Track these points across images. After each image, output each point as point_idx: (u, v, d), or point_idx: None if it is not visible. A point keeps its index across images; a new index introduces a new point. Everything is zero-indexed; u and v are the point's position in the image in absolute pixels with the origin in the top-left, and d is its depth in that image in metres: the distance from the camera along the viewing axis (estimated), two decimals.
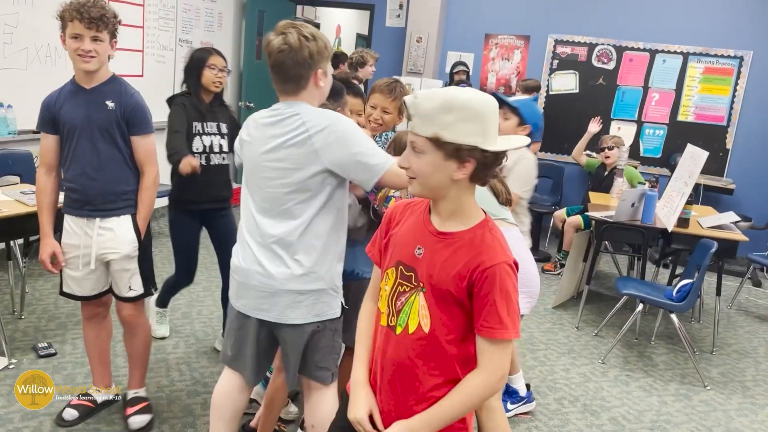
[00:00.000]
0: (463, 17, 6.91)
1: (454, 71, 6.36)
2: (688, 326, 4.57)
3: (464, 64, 6.47)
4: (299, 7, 9.74)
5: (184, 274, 3.35)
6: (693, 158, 4.20)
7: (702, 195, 5.93)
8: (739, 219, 4.29)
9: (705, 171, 6.25)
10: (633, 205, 4.15)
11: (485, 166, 1.30)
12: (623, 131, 6.58)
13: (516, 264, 1.33)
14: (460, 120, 1.24)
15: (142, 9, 5.26)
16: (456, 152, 1.27)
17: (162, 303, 3.57)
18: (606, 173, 5.31)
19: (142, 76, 5.36)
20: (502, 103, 2.64)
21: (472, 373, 1.33)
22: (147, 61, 5.41)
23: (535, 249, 6.01)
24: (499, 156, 1.30)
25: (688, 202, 4.10)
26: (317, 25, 10.60)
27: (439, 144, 1.27)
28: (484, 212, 1.39)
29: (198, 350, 3.44)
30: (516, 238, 2.19)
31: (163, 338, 3.53)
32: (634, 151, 6.56)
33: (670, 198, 4.35)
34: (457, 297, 1.32)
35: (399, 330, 1.38)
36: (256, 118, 1.96)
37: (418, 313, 1.36)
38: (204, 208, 3.19)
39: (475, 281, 1.30)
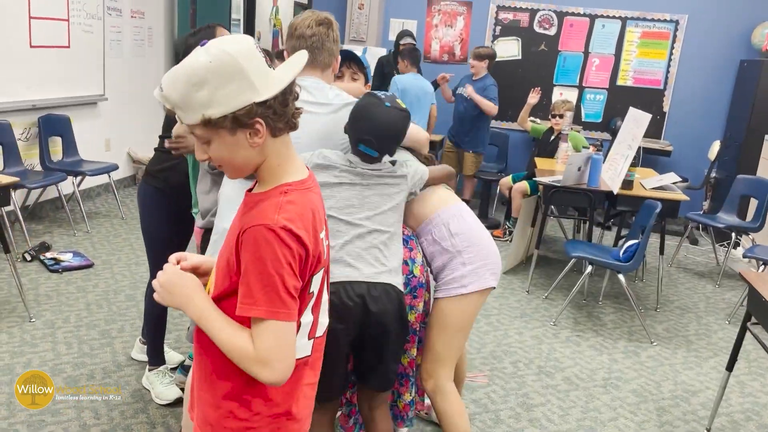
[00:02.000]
0: None
1: (400, 41, 6.14)
2: (632, 285, 4.70)
3: (410, 34, 6.24)
4: None
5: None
6: (636, 121, 4.27)
7: (642, 157, 6.07)
8: (679, 179, 4.41)
9: (644, 134, 6.43)
10: (579, 169, 4.20)
11: (276, 113, 1.13)
12: (565, 96, 6.64)
13: (288, 230, 1.10)
14: (216, 88, 1.08)
15: None
16: (236, 122, 1.10)
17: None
18: (552, 138, 5.36)
19: (68, 47, 5.05)
20: (352, 61, 2.45)
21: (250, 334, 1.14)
22: (73, 31, 5.09)
23: (484, 216, 6.06)
24: (286, 94, 1.13)
25: (632, 165, 4.18)
26: None
27: (215, 123, 1.10)
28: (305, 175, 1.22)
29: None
30: (466, 212, 2.15)
31: None
32: (575, 116, 6.63)
33: (614, 161, 4.42)
34: (231, 264, 1.16)
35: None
36: None
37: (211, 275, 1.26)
38: None
39: (237, 246, 1.14)
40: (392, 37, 6.87)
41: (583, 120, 6.69)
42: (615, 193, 4.10)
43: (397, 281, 1.89)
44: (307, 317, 1.22)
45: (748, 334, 2.70)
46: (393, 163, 1.96)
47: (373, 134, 1.82)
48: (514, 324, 3.85)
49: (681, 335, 3.92)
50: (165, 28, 6.43)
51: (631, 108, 4.60)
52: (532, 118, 5.96)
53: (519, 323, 3.86)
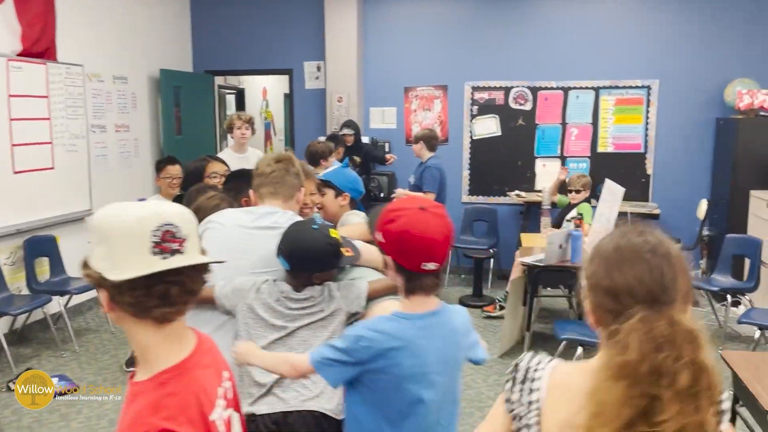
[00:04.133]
0: (381, 73, 6.99)
1: (341, 133, 6.17)
2: None
3: (351, 125, 6.23)
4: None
5: None
6: (611, 193, 4.28)
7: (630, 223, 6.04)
8: None
9: (630, 198, 6.41)
10: (560, 246, 4.18)
11: (120, 298, 1.05)
12: (548, 168, 6.71)
13: (168, 431, 1.01)
14: (96, 243, 1.06)
15: (46, 101, 5.10)
16: (99, 282, 1.06)
17: None
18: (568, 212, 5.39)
19: (52, 168, 5.17)
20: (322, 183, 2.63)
21: None
22: (57, 152, 5.23)
23: (478, 295, 5.98)
24: (151, 285, 1.04)
25: None
26: (241, 91, 10.63)
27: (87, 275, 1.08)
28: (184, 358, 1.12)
29: None
30: None
31: None
32: (562, 186, 6.67)
33: (598, 235, 4.40)
34: None
35: None
36: None
37: None
38: None
39: None
40: (374, 125, 7.04)
41: (569, 188, 6.70)
42: None
43: (325, 406, 1.84)
44: None
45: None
46: (340, 270, 1.99)
47: (289, 248, 1.92)
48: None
49: None
50: (151, 136, 6.60)
51: (606, 180, 4.62)
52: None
53: None
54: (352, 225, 2.49)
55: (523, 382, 1.21)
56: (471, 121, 6.88)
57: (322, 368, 1.53)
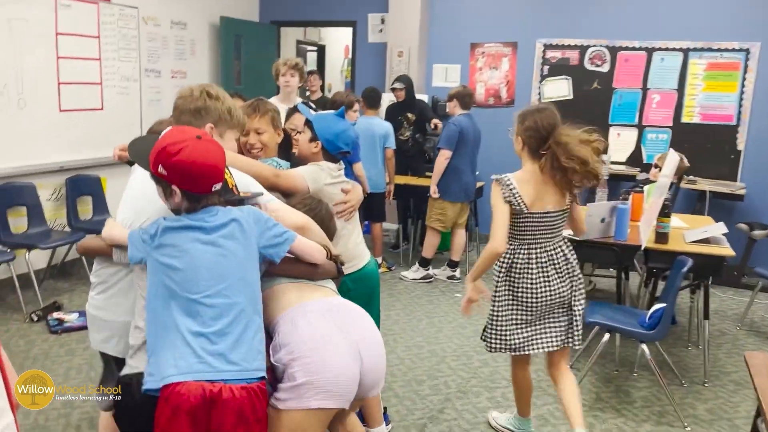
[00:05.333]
0: (447, 28, 6.57)
1: (391, 87, 5.88)
2: (684, 353, 4.07)
3: (402, 79, 5.83)
4: (302, 30, 9.60)
5: None
6: (668, 163, 3.74)
7: (710, 203, 5.39)
8: (726, 231, 3.78)
9: (714, 175, 5.73)
10: (603, 220, 3.71)
11: None
12: (623, 137, 6.10)
13: None
14: None
15: (97, 41, 5.14)
16: None
17: None
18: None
19: (101, 109, 5.23)
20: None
21: None
22: (107, 94, 5.28)
23: None
24: None
25: (665, 214, 3.64)
26: (322, 47, 10.47)
27: None
28: None
29: None
30: (312, 313, 1.82)
31: None
32: (635, 158, 6.05)
33: (651, 213, 3.87)
34: None
35: None
36: None
37: None
38: None
39: None
40: (435, 83, 6.67)
41: (644, 162, 6.06)
42: (642, 247, 3.57)
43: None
44: None
45: None
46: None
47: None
48: None
49: (726, 418, 3.27)
50: None
51: (669, 149, 4.06)
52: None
53: None
54: (284, 170, 2.30)
55: (508, 186, 2.54)
56: (540, 82, 6.34)
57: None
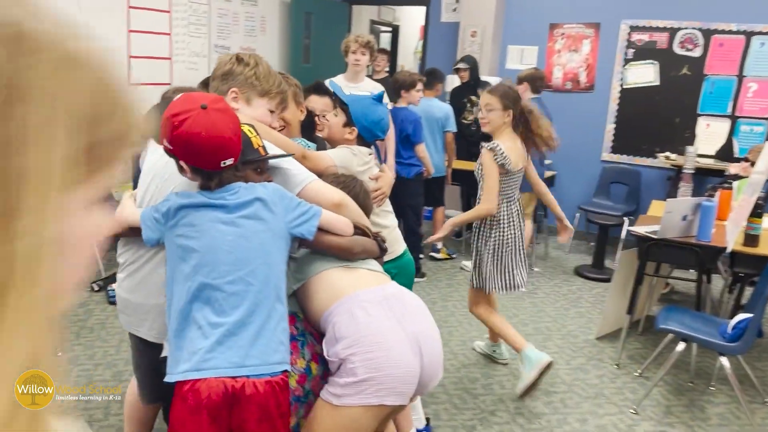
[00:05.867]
0: (525, 7, 6.24)
1: (455, 67, 5.57)
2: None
3: (467, 59, 5.54)
4: (376, 10, 9.44)
5: None
6: (766, 159, 3.36)
7: None
8: None
9: None
10: (685, 218, 3.38)
11: None
12: (713, 128, 5.62)
13: None
14: None
15: (168, 16, 5.15)
16: None
17: None
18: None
19: (170, 84, 5.25)
20: (333, 96, 2.31)
21: None
22: (177, 69, 5.30)
23: (599, 267, 5.23)
24: None
25: (757, 214, 3.27)
26: (396, 28, 10.28)
27: None
28: None
29: None
30: (371, 304, 1.66)
31: None
32: (725, 152, 5.57)
33: (741, 212, 3.51)
34: None
35: None
36: None
37: None
38: None
39: None
40: (509, 66, 6.37)
41: (736, 155, 5.58)
42: (728, 250, 3.22)
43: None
44: None
45: None
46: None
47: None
48: (582, 407, 3.13)
49: None
50: (279, 63, 6.53)
51: (766, 143, 3.66)
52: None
53: (589, 406, 3.14)
54: (313, 152, 2.12)
55: (501, 152, 2.94)
56: (624, 66, 5.93)
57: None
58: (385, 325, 1.61)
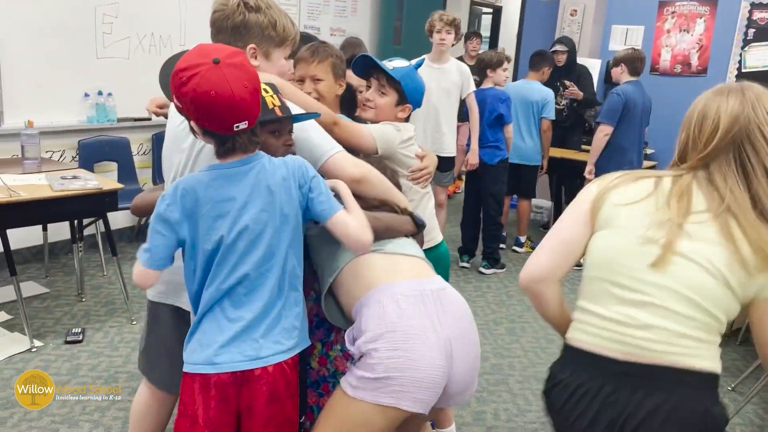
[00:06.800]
0: None
1: (551, 50, 5.18)
2: None
3: (564, 41, 5.18)
4: None
5: None
6: None
7: None
8: None
9: None
10: None
11: None
12: None
13: None
14: None
15: None
16: None
17: None
18: None
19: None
20: (380, 72, 1.98)
21: None
22: None
23: None
24: None
25: None
26: (498, 9, 9.92)
27: None
28: None
29: None
30: (404, 298, 1.50)
31: None
32: None
33: None
34: None
35: None
36: None
37: None
38: None
39: None
40: (612, 47, 5.94)
41: None
42: None
43: None
44: None
45: None
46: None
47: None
48: None
49: None
50: (369, 44, 6.45)
51: None
52: None
53: None
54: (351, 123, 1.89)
55: None
56: (743, 48, 5.36)
57: None
58: (414, 324, 1.45)
